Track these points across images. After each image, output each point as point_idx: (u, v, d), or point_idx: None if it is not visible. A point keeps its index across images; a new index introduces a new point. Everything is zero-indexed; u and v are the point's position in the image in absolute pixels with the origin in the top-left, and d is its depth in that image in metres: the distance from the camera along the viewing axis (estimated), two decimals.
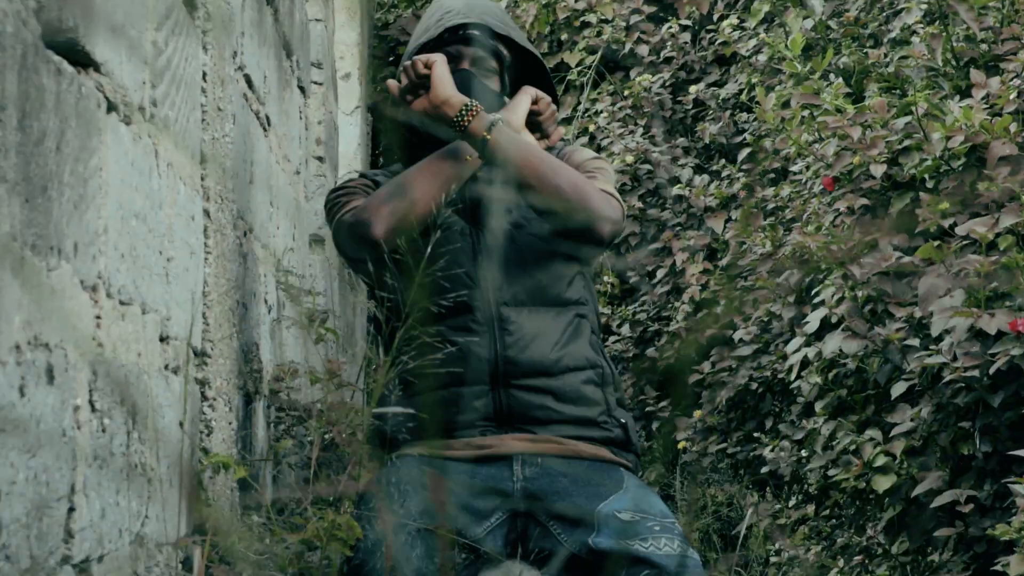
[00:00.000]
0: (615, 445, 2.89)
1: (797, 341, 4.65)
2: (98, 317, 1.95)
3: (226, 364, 2.91)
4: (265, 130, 3.69)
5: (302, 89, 4.75)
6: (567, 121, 8.00)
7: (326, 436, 3.37)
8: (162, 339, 2.36)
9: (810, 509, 5.17)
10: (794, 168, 5.50)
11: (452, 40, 2.97)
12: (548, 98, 2.99)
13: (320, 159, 5.92)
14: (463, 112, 2.80)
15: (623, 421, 2.91)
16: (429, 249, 2.74)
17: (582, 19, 8.23)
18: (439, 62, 2.85)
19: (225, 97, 2.94)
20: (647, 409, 6.74)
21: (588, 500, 2.73)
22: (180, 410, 2.48)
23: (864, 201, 4.57)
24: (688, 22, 7.98)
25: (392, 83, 2.94)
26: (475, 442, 2.81)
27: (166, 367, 2.40)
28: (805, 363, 4.63)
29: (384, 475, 2.77)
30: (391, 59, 9.33)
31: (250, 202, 3.38)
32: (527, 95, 2.97)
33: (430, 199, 2.79)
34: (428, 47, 2.98)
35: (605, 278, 7.29)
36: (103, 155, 1.97)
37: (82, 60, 1.90)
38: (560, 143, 3.08)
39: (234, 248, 3.06)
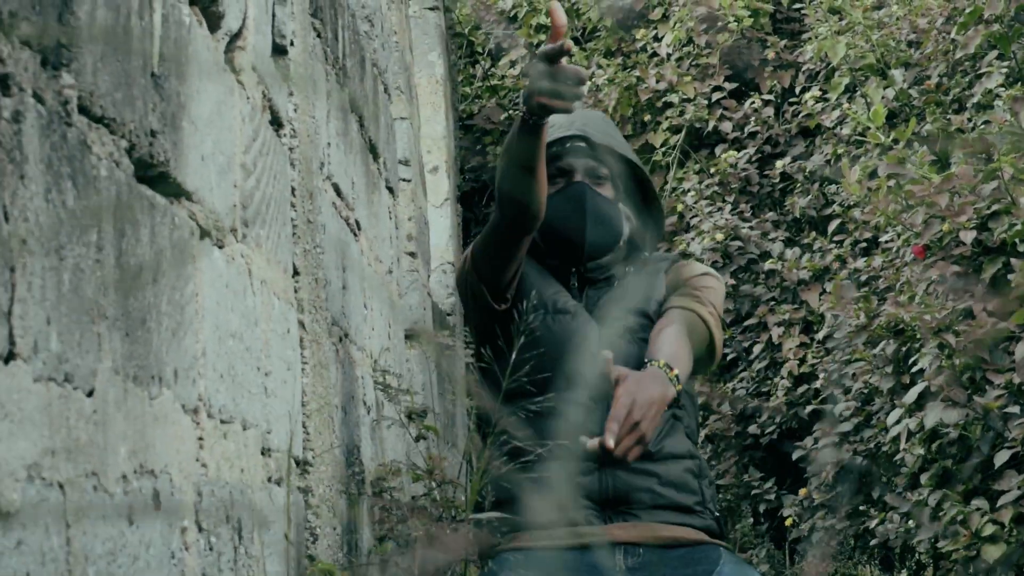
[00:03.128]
0: (710, 534, 2.91)
1: (897, 412, 4.63)
2: (200, 438, 2.00)
3: (328, 470, 2.96)
4: (355, 235, 3.76)
5: (390, 190, 4.83)
6: None
7: (431, 532, 3.41)
8: (264, 452, 2.41)
9: None
10: (884, 238, 5.49)
11: (561, 153, 3.00)
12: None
13: (412, 255, 5.99)
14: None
15: (717, 514, 2.95)
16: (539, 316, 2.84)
17: (664, 100, 8.29)
18: None
19: (315, 209, 3.01)
20: (753, 492, 6.71)
21: (690, 565, 2.77)
22: (285, 521, 2.53)
23: (956, 268, 4.56)
24: (770, 96, 8.02)
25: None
26: (578, 531, 2.85)
27: (269, 479, 2.45)
28: (908, 434, 4.61)
29: (490, 573, 2.80)
30: (478, 148, 9.44)
31: (344, 308, 3.45)
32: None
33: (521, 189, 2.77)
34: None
35: None
36: (198, 281, 2.03)
37: (174, 191, 1.96)
38: (672, 257, 3.12)
39: (330, 355, 3.12)
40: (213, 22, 2.26)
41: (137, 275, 1.73)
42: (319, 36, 3.26)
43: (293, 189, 2.84)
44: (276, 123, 2.74)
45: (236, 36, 2.41)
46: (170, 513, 1.82)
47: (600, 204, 2.98)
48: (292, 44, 2.88)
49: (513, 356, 2.87)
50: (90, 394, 1.54)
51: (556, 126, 2.99)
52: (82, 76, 1.56)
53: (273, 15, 2.74)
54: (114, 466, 1.61)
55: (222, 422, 2.13)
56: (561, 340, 2.91)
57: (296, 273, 2.82)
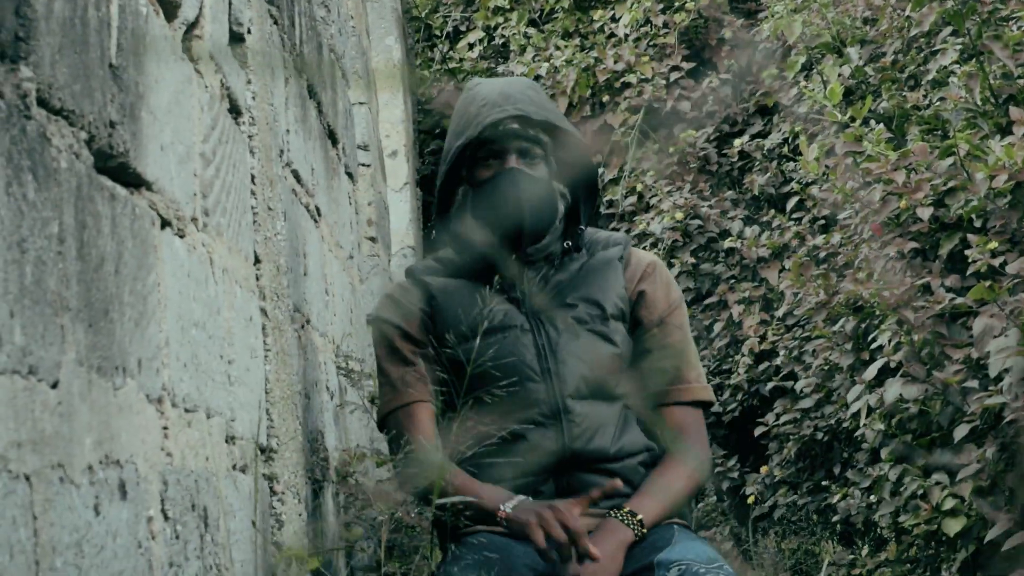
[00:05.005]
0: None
1: (858, 389, 4.66)
2: (165, 428, 2.01)
3: (292, 456, 2.97)
4: (316, 221, 3.76)
5: (350, 175, 4.83)
6: (614, 182, 8.06)
7: (395, 516, 3.42)
8: (228, 440, 2.42)
9: (883, 556, 5.16)
10: (842, 215, 5.52)
11: (494, 135, 2.91)
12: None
13: (372, 239, 6.00)
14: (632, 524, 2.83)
15: None
16: (478, 341, 2.83)
17: (622, 80, 8.30)
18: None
19: (275, 196, 3.02)
20: (716, 470, 6.75)
21: (645, 553, 2.79)
22: (250, 508, 2.54)
23: (913, 244, 4.59)
24: (728, 75, 8.05)
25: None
26: None
27: (234, 467, 2.46)
28: (868, 410, 4.64)
29: (454, 557, 2.81)
30: (437, 131, 9.44)
31: (306, 294, 3.45)
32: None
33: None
34: (471, 146, 2.94)
35: None
36: (160, 271, 2.03)
37: (134, 181, 1.97)
38: (623, 241, 3.06)
39: (293, 342, 3.12)
40: (170, 11, 2.26)
41: (99, 266, 1.74)
42: (276, 23, 3.26)
43: (253, 177, 2.85)
44: (235, 111, 2.74)
45: (193, 25, 2.41)
46: (136, 503, 1.83)
47: (534, 189, 2.91)
48: (249, 32, 2.88)
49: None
50: (55, 386, 1.55)
51: (488, 104, 2.91)
52: (40, 69, 1.56)
53: (230, 3, 2.74)
54: (80, 457, 1.61)
55: (186, 411, 2.13)
56: (495, 358, 2.86)
57: (257, 261, 2.82)
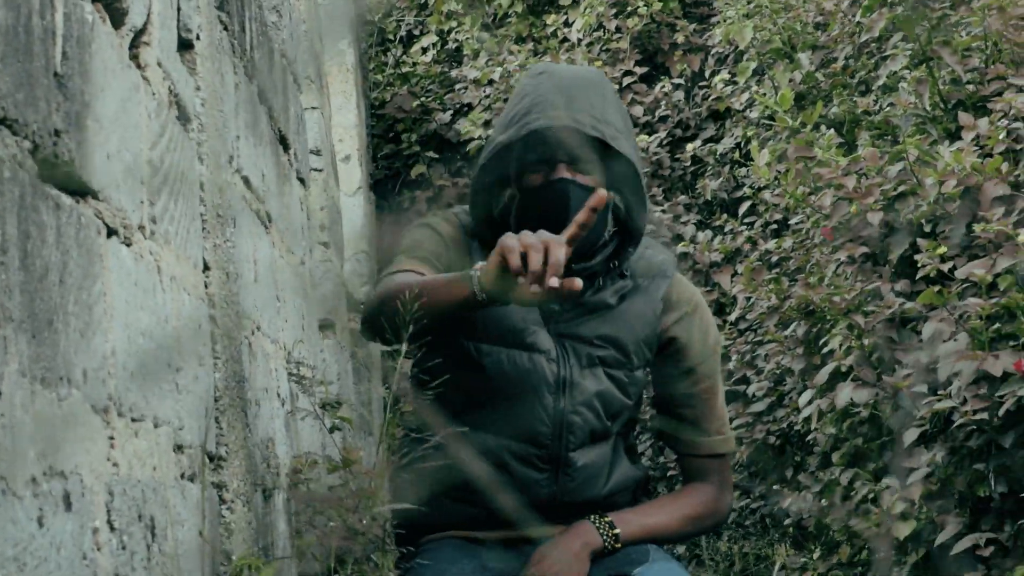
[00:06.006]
0: None
1: (809, 393, 4.69)
2: (111, 438, 2.00)
3: (242, 464, 2.95)
4: (267, 227, 3.75)
5: (302, 180, 4.81)
6: None
7: (347, 523, 3.41)
8: (176, 449, 2.41)
9: (835, 559, 5.18)
10: (794, 220, 5.55)
11: (544, 139, 2.71)
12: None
13: (325, 244, 5.98)
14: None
15: None
16: (502, 350, 2.77)
17: None
18: None
19: (224, 203, 3.00)
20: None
21: (619, 564, 2.79)
22: (199, 517, 2.52)
23: (864, 249, 4.62)
24: (680, 80, 8.07)
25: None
26: (510, 533, 2.87)
27: (182, 476, 2.45)
28: (820, 414, 4.67)
29: (419, 559, 2.81)
30: (391, 136, 9.42)
31: (256, 301, 3.44)
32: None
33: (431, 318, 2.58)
34: (515, 148, 2.75)
35: None
36: (106, 280, 2.02)
37: (79, 190, 1.95)
38: (667, 272, 2.89)
39: (243, 350, 3.11)
40: (117, 18, 2.24)
41: (43, 276, 1.72)
42: (226, 29, 3.25)
43: (202, 184, 2.83)
44: (183, 118, 2.72)
45: (141, 32, 2.39)
46: (81, 514, 1.81)
47: (584, 201, 2.58)
48: (198, 38, 2.87)
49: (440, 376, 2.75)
50: None
51: (543, 103, 2.70)
52: None
53: (178, 9, 2.73)
54: (23, 469, 1.60)
55: (133, 420, 2.12)
56: (512, 380, 2.77)
57: (206, 268, 2.81)
